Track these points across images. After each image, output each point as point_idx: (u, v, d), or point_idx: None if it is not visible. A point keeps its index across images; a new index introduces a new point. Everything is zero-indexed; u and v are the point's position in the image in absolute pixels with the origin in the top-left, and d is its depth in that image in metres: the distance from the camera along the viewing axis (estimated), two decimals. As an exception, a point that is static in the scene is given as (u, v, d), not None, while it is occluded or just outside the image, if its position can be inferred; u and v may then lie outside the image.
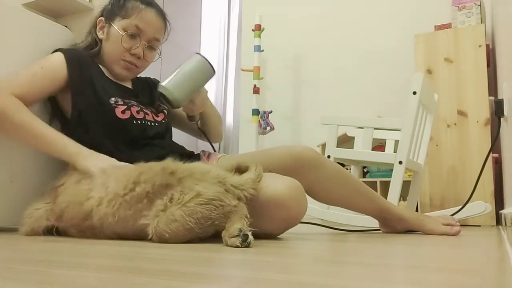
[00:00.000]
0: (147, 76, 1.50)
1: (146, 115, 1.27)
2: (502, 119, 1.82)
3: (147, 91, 1.41)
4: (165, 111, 1.37)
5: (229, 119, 4.36)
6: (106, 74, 1.31)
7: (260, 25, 3.12)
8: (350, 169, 2.52)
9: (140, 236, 0.95)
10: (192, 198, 0.89)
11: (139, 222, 0.93)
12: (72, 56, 1.24)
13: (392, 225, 1.34)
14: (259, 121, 3.02)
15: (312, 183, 1.24)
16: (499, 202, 2.24)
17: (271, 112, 3.05)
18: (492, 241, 1.13)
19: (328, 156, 1.92)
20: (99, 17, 1.34)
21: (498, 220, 2.17)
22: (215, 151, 1.41)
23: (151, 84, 1.45)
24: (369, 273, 0.55)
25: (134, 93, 1.35)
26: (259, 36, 3.12)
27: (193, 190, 0.90)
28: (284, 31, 3.36)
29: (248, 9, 3.53)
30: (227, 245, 0.85)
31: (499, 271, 0.60)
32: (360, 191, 1.29)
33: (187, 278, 0.48)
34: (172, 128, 1.44)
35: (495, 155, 2.25)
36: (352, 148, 2.28)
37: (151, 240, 0.92)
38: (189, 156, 1.30)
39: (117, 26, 1.27)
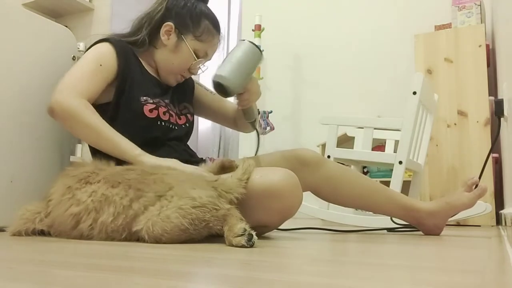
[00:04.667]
0: None
1: (171, 117, 1.26)
2: (502, 119, 1.82)
3: (180, 88, 1.38)
4: (188, 115, 1.34)
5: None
6: (146, 68, 1.29)
7: (260, 25, 3.12)
8: (350, 169, 2.52)
9: (134, 239, 0.96)
10: (187, 202, 0.90)
11: (132, 230, 0.94)
12: (120, 48, 1.22)
13: (427, 223, 1.28)
14: (259, 121, 3.02)
15: (317, 182, 1.25)
16: (499, 202, 2.24)
17: (271, 112, 3.05)
18: (492, 241, 1.13)
19: (328, 156, 1.92)
20: (167, 20, 1.27)
21: (498, 220, 2.17)
22: (258, 143, 1.40)
23: (188, 82, 1.42)
24: (369, 273, 0.55)
25: (168, 90, 1.32)
26: (259, 36, 3.12)
27: (188, 195, 0.91)
28: (284, 31, 3.35)
29: (248, 9, 3.53)
30: (232, 245, 0.86)
31: (499, 271, 0.60)
32: (375, 190, 1.27)
33: (187, 278, 0.48)
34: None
35: (495, 155, 2.25)
36: (352, 148, 2.28)
37: (145, 241, 0.92)
38: (197, 163, 1.27)
39: (189, 44, 1.26)
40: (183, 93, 1.38)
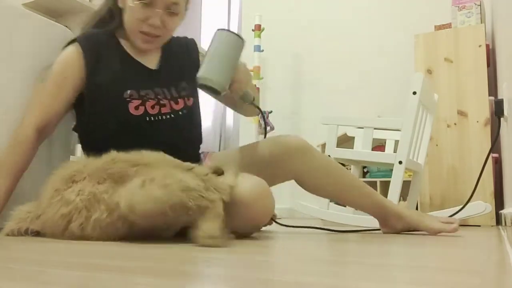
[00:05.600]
0: (185, 37, 1.37)
1: (162, 108, 1.19)
2: (502, 119, 1.82)
3: (179, 59, 1.30)
4: (186, 98, 1.25)
5: (229, 119, 4.35)
6: (128, 51, 1.23)
7: (260, 25, 3.12)
8: (350, 169, 2.52)
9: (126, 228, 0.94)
10: (174, 182, 0.86)
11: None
12: (90, 45, 1.18)
13: (392, 224, 1.32)
14: (259, 121, 3.02)
15: (299, 172, 1.24)
16: (499, 202, 2.24)
17: (271, 112, 3.05)
18: (492, 241, 1.13)
19: (328, 156, 1.92)
20: None
21: (498, 220, 2.17)
22: (265, 127, 1.39)
23: (189, 48, 1.33)
24: (369, 273, 0.55)
25: (156, 74, 1.24)
26: (259, 36, 3.12)
27: (176, 176, 0.88)
28: (284, 31, 3.35)
29: (248, 9, 3.53)
30: (201, 245, 0.83)
31: (499, 271, 0.60)
32: (354, 186, 1.28)
33: (187, 278, 0.48)
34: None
35: (495, 155, 2.25)
36: (352, 148, 2.28)
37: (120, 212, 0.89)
38: (195, 159, 1.25)
39: None
40: (181, 69, 1.28)
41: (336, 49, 3.16)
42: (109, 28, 1.24)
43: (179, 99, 1.23)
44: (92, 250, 0.76)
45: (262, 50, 3.16)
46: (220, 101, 1.40)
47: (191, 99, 1.27)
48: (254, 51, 3.10)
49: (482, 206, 1.84)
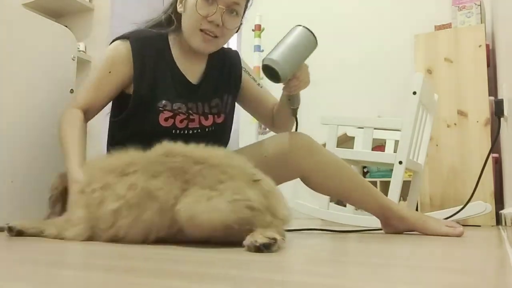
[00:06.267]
0: (230, 48, 1.37)
1: (190, 123, 1.20)
2: (502, 119, 1.82)
3: (220, 74, 1.30)
4: (216, 115, 1.25)
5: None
6: (176, 59, 1.23)
7: (260, 25, 3.12)
8: (350, 169, 2.52)
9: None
10: (242, 199, 0.80)
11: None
12: (140, 48, 1.19)
13: (394, 225, 1.32)
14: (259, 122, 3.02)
15: (307, 170, 1.23)
16: (499, 202, 2.24)
17: (271, 112, 3.04)
18: (492, 241, 1.13)
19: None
20: None
21: (498, 220, 2.17)
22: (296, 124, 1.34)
23: (232, 63, 1.33)
24: (369, 273, 0.55)
25: (195, 89, 1.24)
26: (259, 36, 3.12)
27: (245, 194, 0.81)
28: (284, 31, 3.35)
29: (248, 9, 3.52)
30: (252, 244, 0.75)
31: (499, 271, 0.60)
32: (359, 185, 1.28)
33: (187, 278, 0.48)
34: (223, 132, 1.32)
35: (495, 155, 2.25)
36: (352, 148, 2.28)
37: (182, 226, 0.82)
38: None
39: None
40: (218, 85, 1.28)
41: (336, 49, 3.15)
42: (165, 31, 1.24)
43: (209, 115, 1.24)
44: (92, 250, 0.76)
45: (262, 50, 3.16)
46: (254, 112, 1.42)
47: (222, 116, 1.27)
48: (254, 51, 3.10)
49: (482, 206, 1.85)
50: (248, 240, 0.76)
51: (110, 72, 1.18)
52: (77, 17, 3.04)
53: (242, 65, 1.37)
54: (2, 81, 1.20)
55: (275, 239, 0.75)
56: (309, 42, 1.18)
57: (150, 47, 1.20)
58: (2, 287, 0.42)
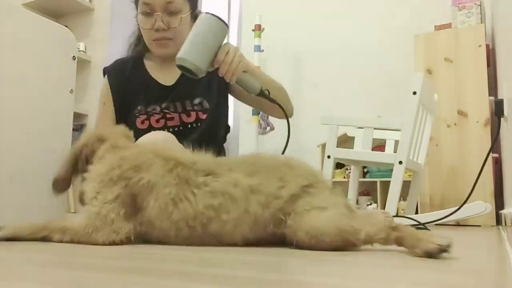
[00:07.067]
0: None
1: (168, 121, 1.29)
2: (502, 119, 1.81)
3: (195, 81, 1.28)
4: (200, 112, 1.29)
5: (229, 119, 4.36)
6: (149, 70, 1.35)
7: (260, 25, 3.12)
8: (350, 169, 2.52)
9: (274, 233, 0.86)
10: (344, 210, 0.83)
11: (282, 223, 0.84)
12: (113, 73, 1.36)
13: None
14: (259, 121, 3.02)
15: None
16: (499, 202, 2.24)
17: (271, 112, 3.04)
18: (492, 241, 1.13)
19: (328, 156, 1.92)
20: None
21: (498, 220, 2.17)
22: (289, 131, 1.29)
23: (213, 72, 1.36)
24: (369, 273, 0.55)
25: (169, 90, 1.32)
26: (259, 36, 3.12)
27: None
28: (284, 31, 3.35)
29: (248, 9, 3.53)
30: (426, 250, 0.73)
31: (499, 271, 0.60)
32: None
33: (187, 278, 0.48)
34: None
35: (495, 155, 2.25)
36: (352, 148, 2.28)
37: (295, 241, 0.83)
38: None
39: (139, 12, 1.29)
40: (198, 85, 1.31)
41: (336, 49, 3.16)
42: (137, 52, 1.39)
43: (192, 112, 1.31)
44: (93, 250, 0.76)
45: (262, 50, 3.16)
46: (247, 101, 1.44)
47: (206, 114, 1.31)
48: (254, 51, 3.10)
49: (482, 206, 1.84)
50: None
51: (104, 103, 1.37)
52: (77, 17, 3.04)
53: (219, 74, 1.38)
54: (2, 81, 1.20)
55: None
56: (216, 28, 1.12)
57: (122, 68, 1.36)
58: (2, 287, 0.42)
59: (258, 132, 3.04)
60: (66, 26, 1.46)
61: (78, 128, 3.06)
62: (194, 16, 1.32)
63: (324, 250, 0.79)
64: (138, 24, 1.31)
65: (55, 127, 1.32)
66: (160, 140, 1.13)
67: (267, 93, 1.18)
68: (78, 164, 1.02)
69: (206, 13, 1.14)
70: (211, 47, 1.11)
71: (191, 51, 1.09)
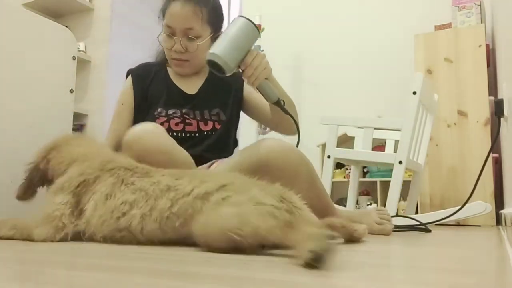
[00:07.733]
0: None
1: (186, 126, 1.31)
2: (502, 119, 1.81)
3: (221, 87, 1.40)
4: (216, 122, 1.34)
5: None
6: (172, 77, 1.39)
7: (260, 25, 3.12)
8: (350, 169, 2.52)
9: (185, 240, 0.86)
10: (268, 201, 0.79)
11: (190, 219, 0.84)
12: (139, 74, 1.37)
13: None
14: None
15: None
16: (499, 202, 2.24)
17: (271, 112, 3.05)
18: (492, 241, 1.13)
19: (328, 156, 1.92)
20: None
21: (498, 220, 2.17)
22: (298, 141, 1.26)
23: (234, 78, 1.39)
24: (369, 273, 0.55)
25: (191, 98, 1.36)
26: (259, 36, 3.12)
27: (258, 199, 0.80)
28: (284, 31, 3.35)
29: (248, 9, 3.53)
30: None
31: (499, 271, 0.60)
32: (316, 194, 1.22)
33: (187, 278, 0.48)
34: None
35: (495, 155, 2.25)
36: (352, 148, 2.28)
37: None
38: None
39: (162, 32, 1.34)
40: (218, 97, 1.38)
41: (336, 49, 3.16)
42: (162, 59, 1.43)
43: (209, 121, 1.35)
44: (93, 250, 0.76)
45: (262, 50, 3.16)
46: (260, 118, 1.48)
47: (221, 125, 1.37)
48: (254, 51, 3.10)
49: (482, 206, 1.84)
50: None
51: (123, 103, 1.36)
52: (77, 17, 3.04)
53: (244, 80, 1.44)
54: (2, 81, 1.20)
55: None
56: (248, 29, 1.20)
57: (147, 71, 1.38)
58: (2, 287, 0.42)
59: (258, 132, 3.04)
60: (66, 26, 1.46)
61: (78, 128, 3.06)
62: (215, 38, 1.32)
63: (214, 248, 0.76)
64: (160, 41, 1.36)
65: (55, 127, 1.32)
66: (149, 132, 1.12)
67: (283, 103, 1.22)
68: (37, 181, 1.09)
69: (243, 17, 1.21)
70: (242, 49, 1.18)
71: (225, 49, 1.16)
